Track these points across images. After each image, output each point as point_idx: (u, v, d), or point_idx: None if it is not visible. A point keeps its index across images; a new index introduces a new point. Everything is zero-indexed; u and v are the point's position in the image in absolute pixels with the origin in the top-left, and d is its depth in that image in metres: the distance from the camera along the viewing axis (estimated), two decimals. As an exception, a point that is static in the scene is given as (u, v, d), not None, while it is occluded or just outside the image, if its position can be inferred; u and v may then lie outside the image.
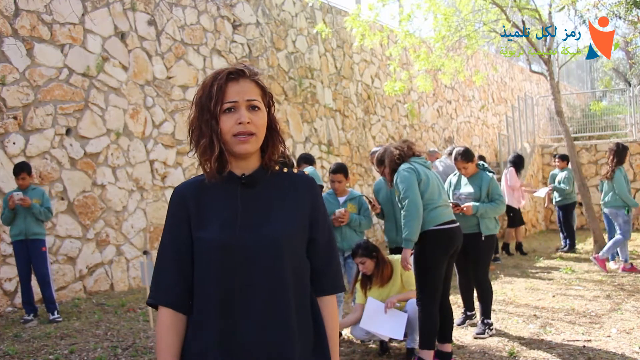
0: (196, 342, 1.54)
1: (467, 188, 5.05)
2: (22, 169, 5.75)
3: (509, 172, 9.45)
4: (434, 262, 3.98)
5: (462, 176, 5.15)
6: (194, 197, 1.59)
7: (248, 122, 1.53)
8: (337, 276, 1.68)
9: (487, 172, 5.08)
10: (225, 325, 1.51)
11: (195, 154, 1.59)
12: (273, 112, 1.64)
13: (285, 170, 1.67)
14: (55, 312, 5.78)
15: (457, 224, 4.11)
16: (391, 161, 4.12)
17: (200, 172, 1.64)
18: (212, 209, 1.57)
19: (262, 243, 1.52)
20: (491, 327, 4.91)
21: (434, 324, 4.01)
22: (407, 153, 4.11)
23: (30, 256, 5.75)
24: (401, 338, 4.32)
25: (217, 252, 1.52)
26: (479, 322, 4.95)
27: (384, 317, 4.28)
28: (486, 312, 4.90)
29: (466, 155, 5.04)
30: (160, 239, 6.99)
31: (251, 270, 1.51)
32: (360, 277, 4.56)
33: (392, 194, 4.89)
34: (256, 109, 1.56)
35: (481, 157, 9.82)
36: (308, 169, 5.42)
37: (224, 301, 1.51)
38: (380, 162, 4.31)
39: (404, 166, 4.03)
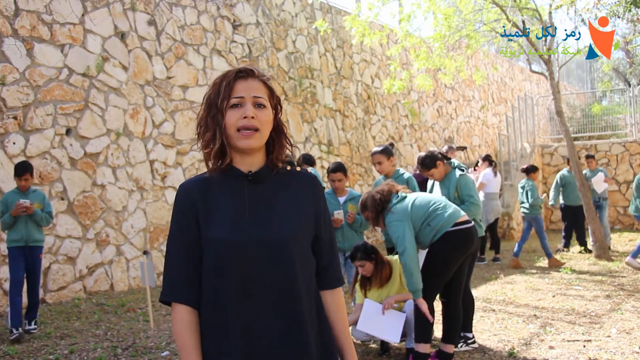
0: (210, 340, 1.55)
1: (436, 193, 4.77)
2: (25, 170, 5.37)
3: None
4: (447, 263, 3.97)
5: None
6: (201, 193, 1.60)
7: (252, 117, 1.56)
8: (338, 271, 1.73)
9: (458, 170, 4.70)
10: (238, 321, 1.53)
11: (200, 148, 1.63)
12: (280, 115, 1.67)
13: (289, 168, 1.69)
14: (34, 322, 5.43)
15: (472, 223, 4.09)
16: (372, 205, 4.14)
17: (201, 170, 1.65)
18: (219, 206, 1.59)
19: (272, 240, 1.55)
20: (468, 342, 4.52)
21: (429, 319, 4.01)
22: (386, 197, 4.12)
23: (27, 263, 5.38)
24: (397, 341, 4.33)
25: (226, 250, 1.53)
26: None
27: (381, 318, 4.28)
28: (466, 326, 4.52)
29: (425, 164, 4.68)
30: (160, 238, 6.95)
31: (261, 268, 1.53)
32: (359, 277, 4.57)
33: None
34: (262, 106, 1.59)
35: (487, 157, 9.72)
36: (310, 171, 5.41)
37: (235, 298, 1.53)
38: (363, 208, 4.26)
39: (390, 218, 4.02)
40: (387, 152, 5.03)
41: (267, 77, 1.65)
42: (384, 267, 4.45)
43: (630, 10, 7.77)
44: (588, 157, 10.21)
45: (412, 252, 3.87)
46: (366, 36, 9.73)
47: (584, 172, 10.15)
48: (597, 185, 9.66)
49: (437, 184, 4.87)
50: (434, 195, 4.34)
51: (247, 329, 1.53)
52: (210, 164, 1.61)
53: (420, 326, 4.02)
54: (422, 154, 4.78)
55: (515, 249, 8.51)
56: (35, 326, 5.43)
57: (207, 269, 1.56)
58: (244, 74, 1.60)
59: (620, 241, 10.79)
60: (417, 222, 3.99)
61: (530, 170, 8.83)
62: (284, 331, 1.53)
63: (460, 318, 4.21)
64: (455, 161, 4.83)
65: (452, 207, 4.07)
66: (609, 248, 9.56)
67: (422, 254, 4.15)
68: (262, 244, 1.54)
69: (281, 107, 1.68)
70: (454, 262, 3.99)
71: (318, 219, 1.66)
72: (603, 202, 9.93)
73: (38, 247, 5.45)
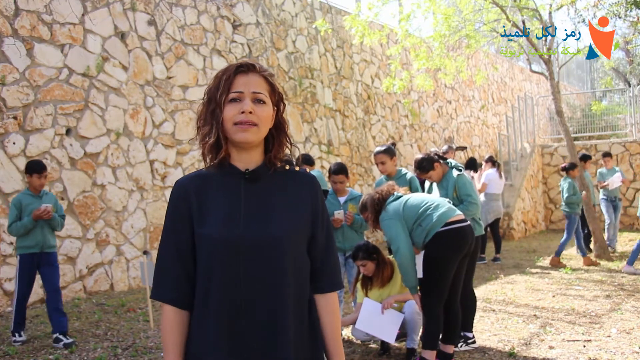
0: (199, 338, 1.55)
1: (434, 194, 4.76)
2: (44, 167, 4.97)
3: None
4: (444, 264, 3.94)
5: None
6: (196, 191, 1.58)
7: (250, 112, 1.54)
8: (336, 274, 1.69)
9: (455, 170, 4.69)
10: (227, 321, 1.52)
11: (198, 142, 1.61)
12: (282, 112, 1.65)
13: (287, 168, 1.67)
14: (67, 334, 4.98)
15: (468, 222, 4.05)
16: (372, 205, 4.16)
17: (200, 167, 1.64)
18: (214, 204, 1.57)
19: (266, 240, 1.53)
20: (468, 342, 4.56)
21: (438, 325, 3.99)
22: (385, 196, 4.14)
23: (43, 270, 4.98)
24: (393, 342, 4.33)
25: (220, 249, 1.52)
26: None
27: (380, 318, 4.28)
28: (467, 325, 4.55)
29: (422, 167, 4.66)
30: (159, 238, 6.90)
31: (254, 267, 1.52)
32: (360, 277, 4.58)
33: None
34: (261, 102, 1.57)
35: (490, 158, 9.73)
36: (315, 172, 5.36)
37: (226, 297, 1.52)
38: (364, 209, 4.27)
39: (383, 216, 4.05)
40: (390, 151, 5.02)
41: (269, 73, 1.62)
42: (385, 267, 4.46)
43: (631, 10, 7.78)
44: (605, 155, 10.03)
45: (405, 250, 3.87)
46: (366, 36, 9.73)
47: (599, 170, 10.03)
48: (612, 184, 9.62)
49: (435, 184, 4.85)
50: (429, 195, 4.32)
51: (237, 328, 1.52)
52: (207, 159, 1.60)
53: (429, 334, 4.00)
54: (419, 156, 4.75)
55: (581, 252, 8.41)
56: (68, 338, 4.94)
57: (200, 267, 1.56)
58: (245, 68, 1.58)
59: (620, 241, 10.79)
60: (409, 222, 3.98)
61: (569, 168, 8.75)
62: (268, 331, 1.52)
63: (459, 318, 4.20)
64: (452, 161, 4.81)
65: (445, 207, 4.02)
66: (614, 250, 9.52)
67: (419, 257, 4.14)
68: (255, 242, 1.52)
69: (284, 105, 1.65)
70: (450, 262, 3.96)
71: (315, 219, 1.64)
72: (618, 203, 9.84)
73: (52, 253, 5.06)
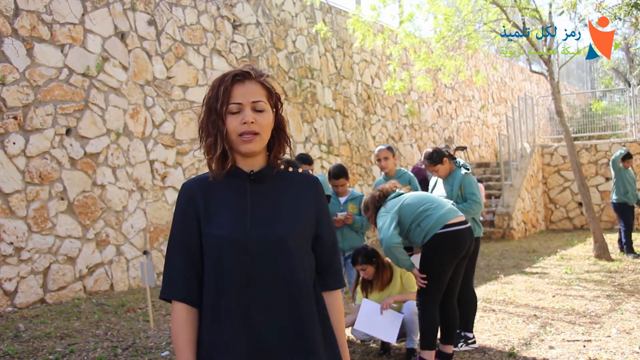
0: (213, 340, 1.56)
1: (439, 190, 4.79)
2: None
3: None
4: (441, 266, 3.93)
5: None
6: (203, 192, 1.62)
7: (252, 122, 1.57)
8: (339, 272, 1.74)
9: (462, 169, 4.70)
10: (241, 322, 1.54)
11: (202, 152, 1.65)
12: (280, 112, 1.68)
13: (291, 169, 1.71)
14: None
15: (467, 224, 4.03)
16: (372, 203, 4.18)
17: (201, 170, 1.67)
18: (221, 205, 1.60)
19: (272, 239, 1.56)
20: (468, 342, 4.56)
21: (434, 325, 4.00)
22: (386, 194, 4.16)
23: None
24: (394, 342, 4.33)
25: (228, 248, 1.55)
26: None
27: (380, 318, 4.28)
28: (467, 325, 4.57)
29: (432, 159, 4.68)
30: (159, 238, 6.90)
31: (261, 266, 1.55)
32: (360, 280, 4.58)
33: None
34: (261, 110, 1.60)
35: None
36: (318, 176, 5.37)
37: (235, 296, 1.54)
38: (366, 209, 4.28)
39: (380, 211, 4.08)
40: (392, 149, 5.17)
41: (265, 77, 1.65)
42: (385, 270, 4.46)
43: (631, 14, 7.77)
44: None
45: (388, 241, 3.87)
46: (367, 38, 9.72)
47: None
48: None
49: (440, 181, 4.86)
50: (430, 194, 4.32)
51: (249, 327, 1.54)
52: (211, 165, 1.63)
53: (425, 334, 4.01)
54: (429, 149, 4.79)
55: None
56: None
57: (208, 267, 1.58)
58: (241, 77, 1.60)
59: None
60: (407, 221, 3.98)
61: None
62: (286, 329, 1.55)
63: (456, 318, 4.20)
64: (460, 160, 4.84)
65: (445, 208, 4.00)
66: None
67: (416, 258, 4.14)
68: (262, 242, 1.55)
69: (282, 104, 1.69)
70: (447, 265, 3.95)
71: (319, 219, 1.68)
72: None
73: None
